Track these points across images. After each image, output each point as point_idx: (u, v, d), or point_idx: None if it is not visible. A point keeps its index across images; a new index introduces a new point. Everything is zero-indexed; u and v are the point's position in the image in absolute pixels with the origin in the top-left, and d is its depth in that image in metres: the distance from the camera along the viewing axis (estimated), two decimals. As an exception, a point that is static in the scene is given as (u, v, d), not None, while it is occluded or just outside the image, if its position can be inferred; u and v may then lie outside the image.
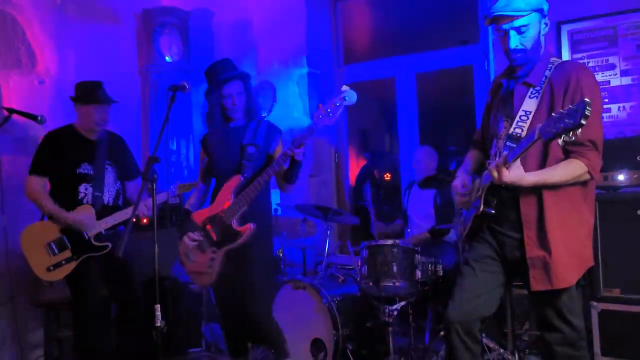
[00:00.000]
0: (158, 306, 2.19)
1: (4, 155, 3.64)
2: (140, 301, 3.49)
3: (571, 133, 1.73)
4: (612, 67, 3.81)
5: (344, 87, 2.69)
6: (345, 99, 2.67)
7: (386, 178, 7.77)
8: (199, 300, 4.38)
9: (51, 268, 3.15)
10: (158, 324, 2.19)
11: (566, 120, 1.72)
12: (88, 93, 3.30)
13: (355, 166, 6.66)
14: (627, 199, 3.14)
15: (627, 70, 3.79)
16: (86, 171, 3.25)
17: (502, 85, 2.31)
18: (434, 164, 4.23)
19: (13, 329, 3.86)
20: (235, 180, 2.83)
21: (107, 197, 3.32)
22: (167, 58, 4.96)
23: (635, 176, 3.14)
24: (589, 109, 1.68)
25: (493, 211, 2.17)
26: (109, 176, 3.33)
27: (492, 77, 4.42)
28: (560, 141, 1.77)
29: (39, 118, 2.89)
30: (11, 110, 2.87)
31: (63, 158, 3.24)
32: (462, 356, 2.17)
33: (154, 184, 2.22)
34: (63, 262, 3.16)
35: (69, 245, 3.18)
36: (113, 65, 4.80)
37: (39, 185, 3.23)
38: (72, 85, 3.42)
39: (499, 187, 2.13)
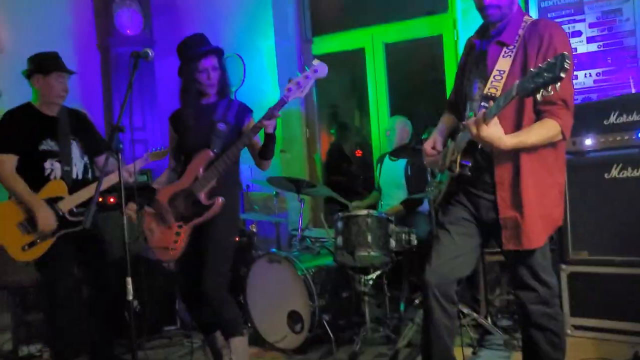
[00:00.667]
0: (129, 279, 2.13)
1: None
2: (113, 283, 3.39)
3: (550, 87, 1.71)
4: (579, 34, 3.84)
5: (315, 61, 2.71)
6: (316, 72, 2.69)
7: (357, 154, 7.75)
8: (172, 279, 4.32)
9: (26, 247, 3.01)
10: (130, 298, 2.13)
11: (545, 74, 1.70)
12: (48, 62, 3.16)
13: (326, 141, 6.62)
14: (595, 163, 3.20)
15: (593, 37, 3.83)
16: (49, 147, 3.12)
17: (475, 45, 2.29)
18: (406, 134, 4.22)
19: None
20: (206, 155, 2.78)
21: (75, 171, 3.20)
22: (127, 31, 4.81)
23: (602, 140, 3.19)
24: (568, 62, 1.67)
25: (469, 173, 2.16)
26: (75, 151, 3.22)
27: (460, 48, 4.42)
28: (538, 96, 1.75)
29: None
30: None
31: (24, 135, 3.09)
32: (439, 318, 2.18)
33: (119, 154, 2.13)
34: (38, 241, 3.03)
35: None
36: (71, 39, 4.63)
37: (10, 164, 3.06)
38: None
39: (474, 149, 2.13)
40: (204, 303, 2.78)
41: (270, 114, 2.69)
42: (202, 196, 2.75)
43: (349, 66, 5.86)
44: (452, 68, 4.58)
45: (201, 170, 2.76)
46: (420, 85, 5.47)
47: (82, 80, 4.71)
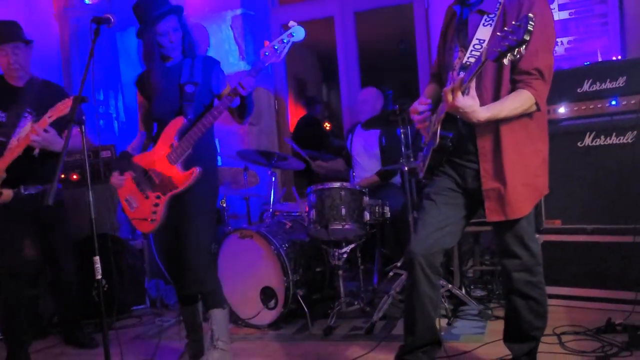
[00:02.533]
0: (97, 258, 2.02)
1: None
2: (72, 263, 3.33)
3: (516, 51, 1.68)
4: (551, 1, 3.81)
5: (291, 22, 2.60)
6: (292, 35, 2.60)
7: (326, 127, 7.67)
8: (140, 256, 4.22)
9: None
10: (99, 277, 2.03)
11: (510, 37, 1.68)
12: None
13: (294, 114, 6.52)
14: (568, 131, 3.20)
15: (564, 5, 3.81)
16: None
17: (455, 13, 2.21)
18: (379, 105, 4.16)
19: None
20: (178, 122, 2.65)
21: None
22: (85, 0, 4.58)
23: (575, 108, 3.18)
24: (532, 23, 1.64)
25: (450, 144, 2.12)
26: (25, 124, 3.01)
27: (430, 16, 4.36)
28: (505, 61, 1.72)
29: None
30: None
31: None
32: (424, 289, 2.15)
33: (83, 126, 2.01)
34: None
35: None
36: (27, 9, 4.40)
37: None
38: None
39: (456, 119, 2.07)
40: (186, 272, 2.69)
41: (247, 81, 2.58)
42: (178, 166, 2.64)
43: (315, 42, 5.74)
44: (422, 37, 4.53)
45: (176, 139, 2.65)
46: (390, 55, 5.40)
47: (39, 51, 4.47)
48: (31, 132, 2.86)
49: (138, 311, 4.08)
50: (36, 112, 3.06)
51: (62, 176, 4.14)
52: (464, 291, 3.46)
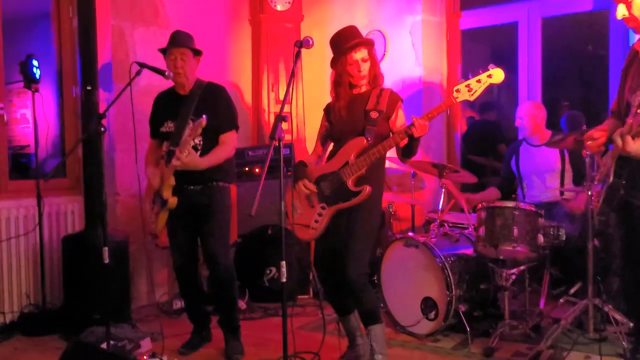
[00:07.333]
0: (284, 263, 2.24)
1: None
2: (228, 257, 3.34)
3: None
4: None
5: (492, 65, 2.59)
6: (491, 77, 2.57)
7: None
8: (307, 250, 4.48)
9: (154, 217, 3.19)
10: (283, 280, 2.25)
11: None
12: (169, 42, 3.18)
13: (461, 116, 6.38)
14: None
15: None
16: (168, 129, 3.19)
17: (638, 53, 2.08)
18: (540, 120, 3.91)
19: (146, 266, 4.26)
20: (360, 142, 2.77)
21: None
22: (278, 7, 4.95)
23: None
24: None
25: (624, 181, 2.03)
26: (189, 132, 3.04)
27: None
28: None
29: (166, 73, 2.98)
30: (142, 65, 2.95)
31: (154, 119, 3.29)
32: None
33: (281, 142, 2.21)
34: (153, 217, 3.20)
35: (158, 200, 3.17)
36: (226, 15, 4.86)
37: (150, 148, 3.32)
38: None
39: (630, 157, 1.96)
40: (344, 289, 2.82)
41: (432, 116, 2.63)
42: (349, 182, 2.77)
43: (492, 44, 5.55)
44: (617, 46, 4.17)
45: (353, 156, 2.77)
46: (578, 66, 5.04)
47: (234, 54, 4.96)
48: (174, 158, 2.95)
49: (302, 300, 4.35)
50: (197, 118, 3.03)
51: (246, 169, 4.58)
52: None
